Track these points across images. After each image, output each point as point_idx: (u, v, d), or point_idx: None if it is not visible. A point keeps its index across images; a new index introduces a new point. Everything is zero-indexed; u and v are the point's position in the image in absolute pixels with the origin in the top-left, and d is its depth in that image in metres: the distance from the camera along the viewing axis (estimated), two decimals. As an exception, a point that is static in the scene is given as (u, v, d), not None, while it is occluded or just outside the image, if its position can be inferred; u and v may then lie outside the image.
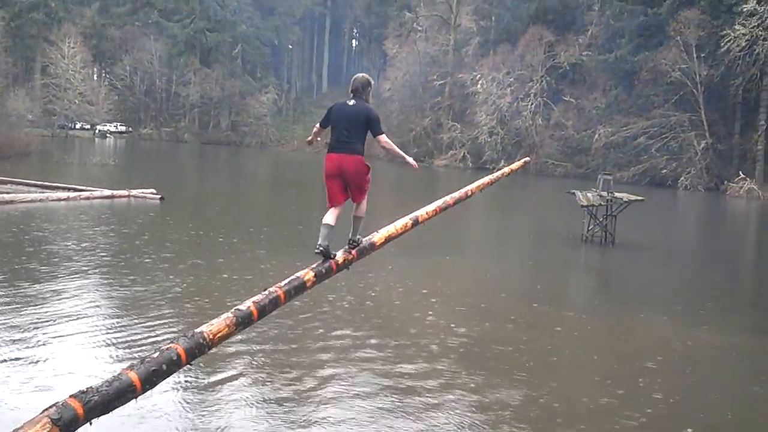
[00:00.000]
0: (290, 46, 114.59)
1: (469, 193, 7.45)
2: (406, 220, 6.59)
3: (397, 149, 6.08)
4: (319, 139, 6.34)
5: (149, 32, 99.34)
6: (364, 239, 6.06)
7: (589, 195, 21.49)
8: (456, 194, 7.29)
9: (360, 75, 6.05)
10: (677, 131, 59.70)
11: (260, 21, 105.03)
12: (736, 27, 53.98)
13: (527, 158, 10.53)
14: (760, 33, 53.42)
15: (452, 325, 10.94)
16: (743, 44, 53.82)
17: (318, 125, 6.14)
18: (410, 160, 6.41)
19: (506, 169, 8.70)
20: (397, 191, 39.06)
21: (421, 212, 6.79)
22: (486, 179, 7.96)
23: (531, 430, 7.17)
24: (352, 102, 5.85)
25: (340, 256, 5.78)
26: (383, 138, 5.81)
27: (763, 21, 53.16)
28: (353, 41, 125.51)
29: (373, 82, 6.15)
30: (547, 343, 10.56)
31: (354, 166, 5.75)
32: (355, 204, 5.98)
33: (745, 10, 53.66)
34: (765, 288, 17.91)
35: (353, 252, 5.90)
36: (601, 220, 21.82)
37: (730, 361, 10.47)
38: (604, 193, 21.70)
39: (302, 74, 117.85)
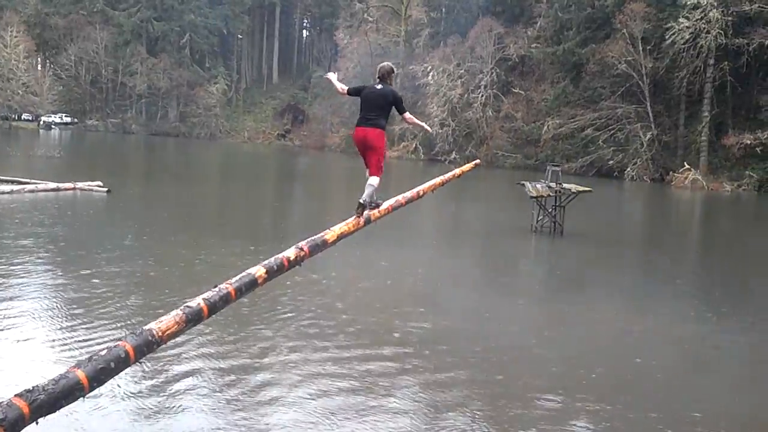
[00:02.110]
0: (240, 36, 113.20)
1: (421, 193, 7.76)
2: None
3: (418, 121, 7.58)
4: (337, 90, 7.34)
5: (94, 21, 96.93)
6: (316, 236, 6.08)
7: (539, 186, 21.75)
8: (408, 194, 7.53)
9: (385, 63, 7.19)
10: (623, 123, 60.61)
11: (209, 10, 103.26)
12: (681, 20, 54.92)
13: (478, 160, 10.94)
14: (704, 26, 54.45)
15: (404, 320, 11.00)
16: (687, 37, 54.79)
17: (347, 88, 7.23)
18: (427, 127, 8.41)
19: (457, 171, 8.96)
20: (350, 185, 39.02)
21: (374, 211, 6.91)
22: (437, 180, 8.20)
23: (487, 426, 7.26)
24: (379, 86, 6.96)
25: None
26: (407, 114, 7.12)
27: (707, 14, 54.24)
28: (304, 31, 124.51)
29: (396, 70, 7.27)
30: (496, 333, 10.69)
31: (374, 136, 6.91)
32: (369, 176, 6.95)
33: (689, 3, 54.59)
34: (708, 277, 18.37)
35: (306, 249, 5.91)
36: (549, 210, 22.13)
37: (674, 349, 10.73)
38: (553, 184, 22.01)
39: (252, 65, 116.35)
